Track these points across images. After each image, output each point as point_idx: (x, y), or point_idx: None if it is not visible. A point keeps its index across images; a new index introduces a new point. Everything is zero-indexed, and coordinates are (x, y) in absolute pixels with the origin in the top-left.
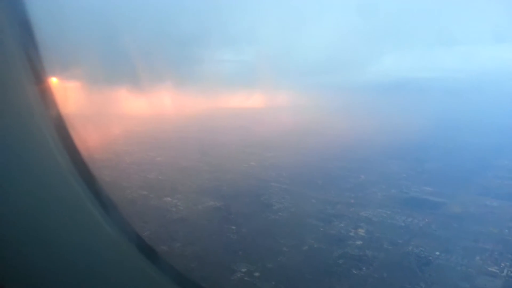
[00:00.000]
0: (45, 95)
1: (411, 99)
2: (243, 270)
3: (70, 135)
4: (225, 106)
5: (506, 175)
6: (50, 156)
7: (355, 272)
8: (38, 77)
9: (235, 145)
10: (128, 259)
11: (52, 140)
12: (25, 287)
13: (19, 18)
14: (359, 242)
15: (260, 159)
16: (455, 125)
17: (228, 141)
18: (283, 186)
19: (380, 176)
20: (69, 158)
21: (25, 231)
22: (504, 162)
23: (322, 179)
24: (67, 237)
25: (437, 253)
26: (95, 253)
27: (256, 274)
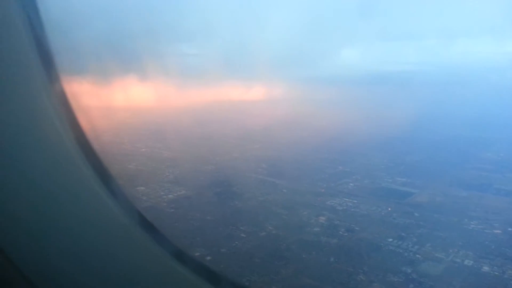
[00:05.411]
0: (56, 91)
1: (390, 92)
2: (196, 254)
3: (81, 126)
4: (222, 99)
5: (484, 167)
6: (59, 143)
7: (304, 256)
8: (50, 74)
9: (224, 137)
10: (131, 236)
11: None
12: (29, 258)
13: (30, 15)
14: (316, 229)
15: (244, 150)
16: (439, 118)
17: (217, 134)
18: (259, 176)
19: (357, 167)
20: (78, 146)
21: (38, 212)
22: (487, 154)
23: (299, 170)
24: (76, 219)
25: (390, 239)
26: (100, 231)
27: (208, 258)
